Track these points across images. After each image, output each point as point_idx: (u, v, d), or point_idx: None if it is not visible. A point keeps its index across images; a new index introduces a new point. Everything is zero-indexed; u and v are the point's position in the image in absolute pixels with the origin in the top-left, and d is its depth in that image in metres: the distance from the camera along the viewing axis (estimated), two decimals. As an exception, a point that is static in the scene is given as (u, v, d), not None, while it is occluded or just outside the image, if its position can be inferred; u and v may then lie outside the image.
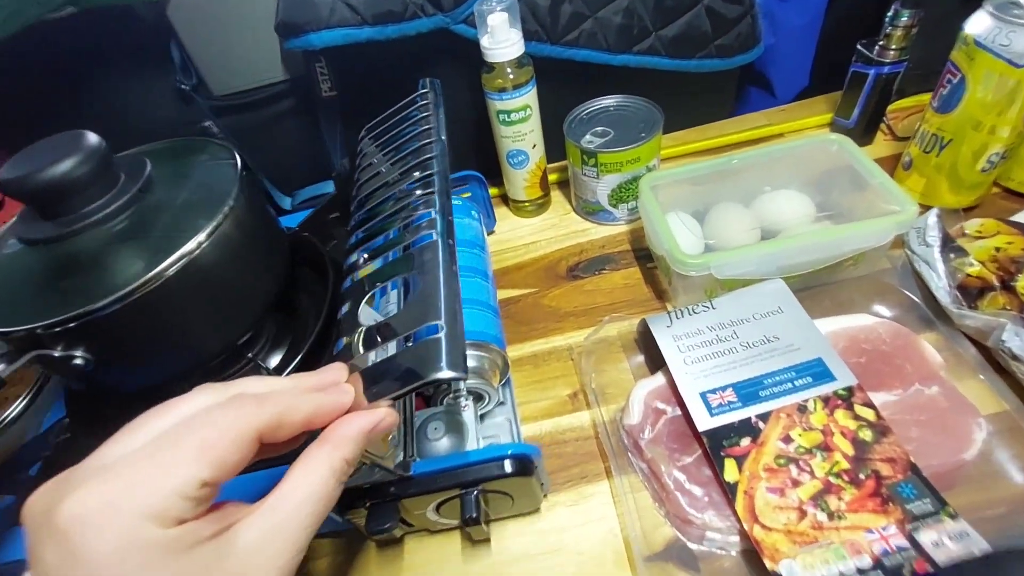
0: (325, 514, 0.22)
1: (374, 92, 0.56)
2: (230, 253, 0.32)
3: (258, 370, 0.40)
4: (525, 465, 0.32)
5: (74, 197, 0.29)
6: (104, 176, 0.30)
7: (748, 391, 0.36)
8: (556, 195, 0.61)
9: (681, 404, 0.37)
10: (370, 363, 0.27)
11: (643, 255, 0.52)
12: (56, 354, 0.29)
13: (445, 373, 0.23)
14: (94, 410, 0.39)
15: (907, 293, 0.42)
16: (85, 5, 0.45)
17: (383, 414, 0.24)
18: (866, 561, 0.29)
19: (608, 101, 0.54)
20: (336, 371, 0.26)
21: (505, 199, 0.60)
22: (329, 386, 0.24)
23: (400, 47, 0.50)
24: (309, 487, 0.21)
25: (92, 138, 0.30)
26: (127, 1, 0.46)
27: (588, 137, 0.52)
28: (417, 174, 0.35)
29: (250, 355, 0.40)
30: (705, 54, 0.56)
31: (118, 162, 0.33)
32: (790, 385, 0.36)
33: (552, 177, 0.60)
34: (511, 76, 0.48)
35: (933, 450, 0.33)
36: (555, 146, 0.55)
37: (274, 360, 0.41)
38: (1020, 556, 0.28)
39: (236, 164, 0.35)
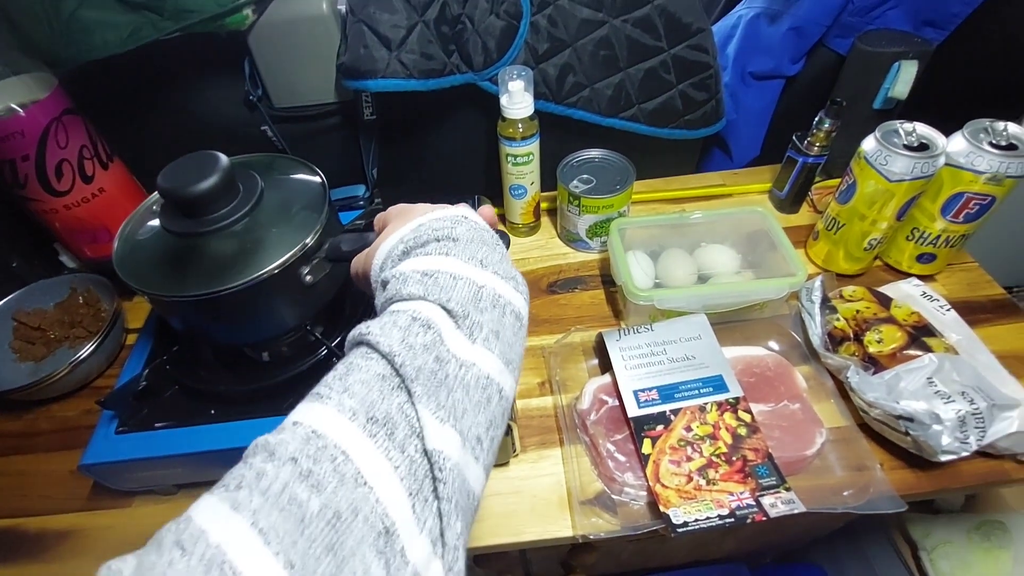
0: None
1: (407, 120, 0.68)
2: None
3: (307, 336, 0.52)
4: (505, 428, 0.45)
5: (209, 204, 0.40)
6: (230, 189, 0.42)
7: (667, 392, 0.50)
8: (545, 221, 0.74)
9: (619, 397, 0.51)
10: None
11: (608, 280, 0.66)
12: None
13: None
14: (190, 354, 0.51)
15: (794, 335, 0.56)
16: (189, 31, 0.55)
17: None
18: (725, 511, 0.43)
19: (594, 153, 0.67)
20: None
21: (503, 219, 0.73)
22: None
23: (434, 92, 0.62)
24: None
25: (224, 160, 0.41)
26: (222, 29, 0.57)
27: (575, 182, 0.65)
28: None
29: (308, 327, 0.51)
30: (676, 125, 0.69)
31: (236, 174, 0.44)
32: (696, 392, 0.50)
33: (543, 205, 0.73)
34: (521, 129, 0.61)
35: (786, 446, 0.48)
36: (548, 180, 0.67)
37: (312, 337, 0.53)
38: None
39: (324, 186, 0.46)
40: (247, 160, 0.48)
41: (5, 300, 0.64)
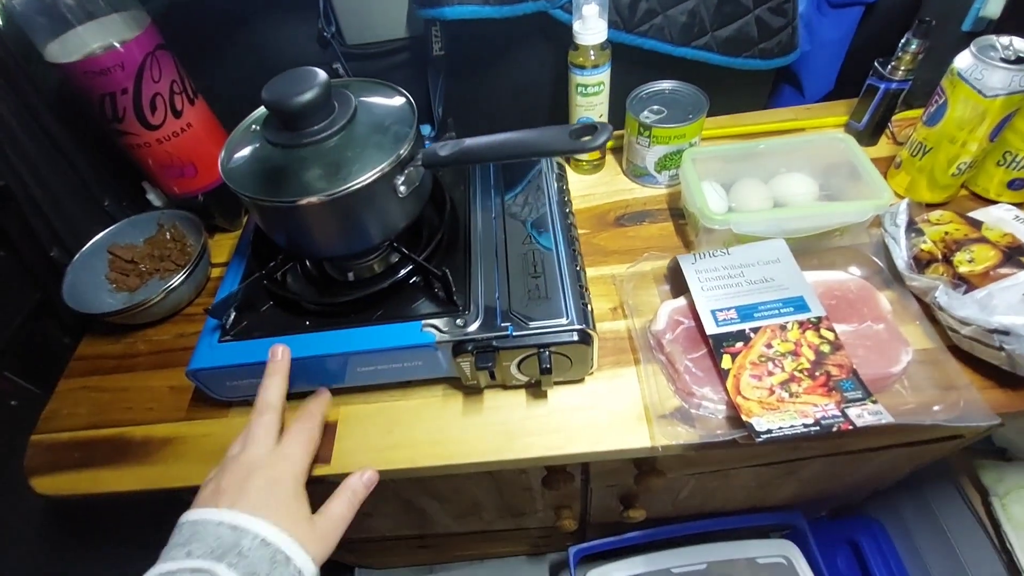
0: None
1: (476, 55, 0.68)
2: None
3: (390, 256, 0.54)
4: (586, 337, 0.46)
5: (310, 116, 0.42)
6: (327, 103, 0.43)
7: (746, 312, 0.50)
8: (609, 159, 0.73)
9: (696, 319, 0.51)
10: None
11: (676, 213, 0.65)
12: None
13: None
14: (282, 274, 0.53)
15: (876, 260, 0.55)
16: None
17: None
18: (810, 420, 0.43)
19: (665, 85, 0.66)
20: None
21: (567, 157, 0.73)
22: None
23: (504, 22, 0.61)
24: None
25: (322, 74, 0.43)
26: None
27: (646, 113, 0.64)
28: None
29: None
30: (749, 55, 0.67)
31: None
32: (776, 311, 0.50)
33: (608, 144, 0.73)
34: (592, 57, 0.60)
35: (871, 364, 0.47)
36: (613, 116, 0.67)
37: (395, 257, 0.55)
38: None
39: (411, 102, 0.47)
40: (336, 82, 0.49)
41: (101, 234, 0.68)
